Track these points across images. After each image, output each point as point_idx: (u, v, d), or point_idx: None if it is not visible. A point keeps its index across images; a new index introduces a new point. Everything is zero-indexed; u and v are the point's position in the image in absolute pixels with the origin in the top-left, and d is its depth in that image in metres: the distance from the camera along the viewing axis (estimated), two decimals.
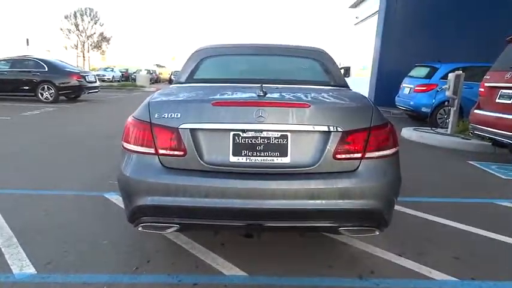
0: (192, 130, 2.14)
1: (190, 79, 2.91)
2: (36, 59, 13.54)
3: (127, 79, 34.62)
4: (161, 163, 2.16)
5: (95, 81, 14.59)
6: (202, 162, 2.12)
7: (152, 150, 2.17)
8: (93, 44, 43.92)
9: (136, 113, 2.29)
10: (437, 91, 8.20)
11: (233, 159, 2.12)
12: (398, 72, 11.63)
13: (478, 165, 5.58)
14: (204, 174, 2.11)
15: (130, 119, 2.30)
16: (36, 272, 2.37)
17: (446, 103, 8.16)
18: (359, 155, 2.16)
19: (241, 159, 2.12)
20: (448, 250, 2.78)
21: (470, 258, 2.67)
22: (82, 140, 6.54)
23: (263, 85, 2.30)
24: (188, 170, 2.13)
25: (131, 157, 2.22)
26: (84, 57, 43.22)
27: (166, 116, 2.17)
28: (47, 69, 13.00)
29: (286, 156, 2.12)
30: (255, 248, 2.74)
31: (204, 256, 2.59)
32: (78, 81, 13.21)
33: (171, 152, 2.15)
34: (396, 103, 10.78)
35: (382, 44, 13.58)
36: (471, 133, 6.20)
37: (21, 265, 2.43)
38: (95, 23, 43.71)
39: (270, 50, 3.32)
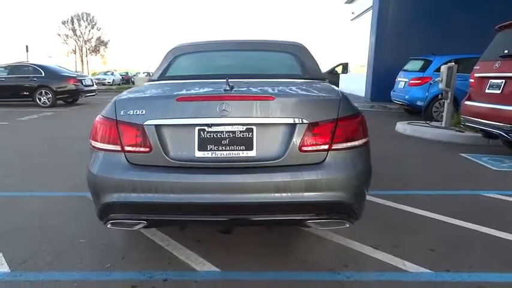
0: (157, 126, 2.13)
1: (162, 77, 2.91)
2: (33, 64, 13.63)
3: (127, 82, 34.77)
4: (127, 160, 2.16)
5: (92, 85, 14.64)
6: (167, 158, 2.11)
7: (118, 148, 2.17)
8: (91, 49, 44.15)
9: (103, 111, 2.29)
10: (431, 84, 8.14)
11: (198, 154, 2.11)
12: (394, 67, 11.58)
13: (470, 157, 5.54)
14: (169, 170, 2.11)
15: (97, 117, 2.30)
16: (9, 271, 2.37)
17: (439, 96, 8.11)
18: (326, 147, 2.14)
19: (207, 154, 2.11)
20: (426, 242, 2.76)
21: (447, 250, 2.64)
22: (77, 142, 6.57)
23: (229, 80, 2.29)
24: (154, 166, 2.13)
25: (98, 155, 2.22)
26: (82, 61, 43.43)
27: (131, 113, 2.17)
28: (43, 75, 13.08)
29: (252, 149, 2.11)
30: (231, 244, 2.73)
31: (179, 253, 2.58)
32: (75, 85, 13.27)
33: (137, 149, 2.15)
34: (392, 98, 10.73)
35: (377, 40, 13.53)
36: (463, 125, 6.16)
37: None
38: (92, 28, 43.96)
39: (244, 45, 3.31)
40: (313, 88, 2.46)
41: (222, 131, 2.12)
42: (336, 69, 25.29)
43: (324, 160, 2.14)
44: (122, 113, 2.19)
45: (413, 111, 10.17)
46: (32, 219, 3.17)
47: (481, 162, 5.24)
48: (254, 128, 2.12)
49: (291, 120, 2.12)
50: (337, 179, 2.11)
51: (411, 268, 2.39)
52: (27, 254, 2.58)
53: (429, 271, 2.36)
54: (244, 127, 2.12)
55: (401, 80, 10.24)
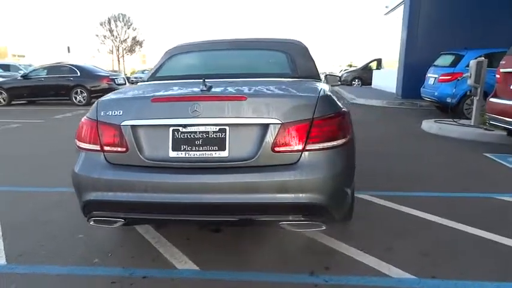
0: (133, 127, 2.18)
1: (152, 77, 2.96)
2: (70, 65, 14.28)
3: None
4: (106, 159, 2.22)
5: (124, 83, 15.11)
6: (143, 158, 2.16)
7: (98, 147, 2.24)
8: (127, 48, 45.72)
9: (88, 112, 2.37)
10: (458, 80, 7.75)
11: (172, 154, 2.14)
12: (426, 62, 11.04)
13: (494, 158, 5.23)
14: (144, 170, 2.15)
15: (83, 118, 2.38)
16: (6, 263, 2.51)
17: (468, 92, 7.71)
18: (299, 148, 2.10)
19: (181, 154, 2.13)
20: (421, 246, 2.64)
21: (441, 256, 2.52)
22: None
23: (213, 80, 2.30)
24: (130, 166, 2.18)
25: (81, 154, 2.30)
26: (119, 61, 45.05)
27: (110, 114, 2.23)
28: (79, 74, 13.67)
29: (225, 150, 2.11)
30: (219, 243, 2.74)
31: (165, 250, 2.62)
32: (108, 84, 13.76)
33: (114, 149, 2.20)
34: (422, 94, 10.31)
35: (409, 34, 13.03)
36: (488, 123, 5.83)
37: None
38: (128, 28, 45.55)
39: (238, 44, 3.30)
40: (294, 87, 2.41)
41: (196, 132, 2.13)
42: (370, 65, 24.71)
43: (297, 161, 2.10)
44: (102, 114, 2.25)
45: (445, 109, 9.74)
46: (44, 213, 3.32)
47: (505, 163, 4.94)
48: (227, 128, 2.12)
49: (263, 121, 2.09)
50: (311, 180, 2.07)
51: (395, 273, 2.31)
52: (26, 247, 2.72)
53: (413, 277, 2.26)
54: (217, 127, 2.12)
55: (431, 76, 9.83)
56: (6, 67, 22.79)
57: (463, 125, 7.15)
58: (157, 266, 2.44)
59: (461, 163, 5.06)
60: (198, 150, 2.12)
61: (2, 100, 14.04)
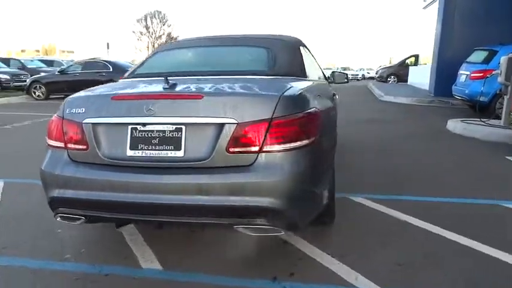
0: (94, 124, 2.18)
1: (131, 74, 2.97)
2: (103, 60, 14.82)
3: None
4: (69, 157, 2.25)
5: None
6: (102, 156, 2.16)
7: (62, 145, 2.27)
8: (162, 44, 46.88)
9: (58, 110, 2.40)
10: (487, 77, 7.27)
11: (130, 153, 2.12)
12: (460, 59, 10.48)
13: None
14: (102, 168, 2.15)
15: (53, 115, 2.42)
16: None
17: (498, 91, 7.22)
18: (256, 149, 2.02)
19: (138, 153, 2.11)
20: (399, 255, 2.49)
21: (418, 266, 2.36)
22: None
23: (177, 78, 2.27)
24: (90, 164, 2.19)
25: (48, 151, 2.34)
26: None
27: (74, 112, 2.25)
28: (111, 70, 14.11)
29: (180, 150, 2.07)
30: (192, 244, 2.71)
31: (137, 249, 2.62)
32: None
33: (76, 146, 2.22)
34: (453, 92, 9.81)
35: (443, 28, 12.40)
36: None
37: None
38: (163, 25, 46.68)
39: (222, 41, 3.25)
40: (260, 86, 2.32)
41: (153, 131, 2.10)
42: (408, 61, 23.85)
43: (253, 163, 2.02)
44: (67, 112, 2.28)
45: (481, 108, 9.17)
46: (39, 208, 3.44)
47: None
48: (183, 127, 2.07)
49: (219, 120, 2.03)
50: (266, 183, 1.99)
51: (361, 283, 2.18)
52: (12, 240, 2.80)
53: None
54: (174, 127, 2.08)
55: (463, 73, 9.31)
56: (50, 63, 24.02)
57: (490, 125, 6.71)
58: (125, 264, 2.44)
59: (478, 166, 4.75)
60: (155, 150, 2.09)
61: (41, 94, 14.78)
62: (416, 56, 22.48)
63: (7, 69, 19.76)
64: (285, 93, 2.15)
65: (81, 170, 2.17)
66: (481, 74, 8.42)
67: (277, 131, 2.02)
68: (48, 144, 2.35)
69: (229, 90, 2.20)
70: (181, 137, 2.07)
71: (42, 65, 22.71)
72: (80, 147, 2.21)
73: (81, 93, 2.46)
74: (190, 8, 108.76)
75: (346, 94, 17.57)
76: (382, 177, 4.28)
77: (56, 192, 2.21)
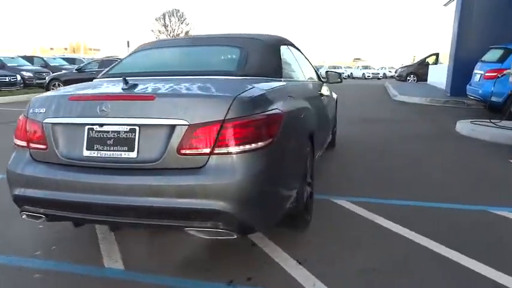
0: (53, 124, 2.20)
1: (104, 74, 2.98)
2: (118, 58, 15.06)
3: None
4: (31, 156, 2.27)
5: None
6: (60, 156, 2.17)
7: (25, 144, 2.29)
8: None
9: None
10: (499, 77, 7.00)
11: (86, 153, 2.13)
12: (477, 58, 10.14)
13: None
14: (60, 168, 2.17)
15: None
16: None
17: (510, 92, 6.94)
18: (207, 151, 1.99)
19: (94, 154, 2.12)
20: (366, 262, 2.41)
21: (382, 274, 2.28)
22: None
23: (126, 78, 2.24)
24: (49, 164, 2.21)
25: (14, 151, 2.38)
26: None
27: (36, 112, 2.27)
28: None
29: (133, 151, 2.06)
30: (163, 245, 2.69)
31: (106, 248, 2.63)
32: None
33: (37, 146, 2.25)
34: (467, 92, 9.50)
35: (460, 26, 12.00)
36: None
37: None
38: (181, 23, 47.31)
39: (197, 41, 3.23)
40: (218, 86, 2.28)
41: (108, 131, 2.10)
42: (428, 59, 23.27)
43: (204, 165, 1.99)
44: (31, 111, 2.31)
45: (493, 109, 8.85)
46: None
47: None
48: (137, 128, 2.06)
49: (170, 122, 2.01)
50: (217, 185, 1.96)
51: None
52: None
53: None
54: (128, 127, 2.08)
55: (478, 72, 9.00)
56: (72, 61, 24.64)
57: (500, 127, 6.45)
58: (89, 263, 2.45)
59: (478, 169, 4.57)
60: (110, 150, 2.09)
61: None
62: (437, 55, 21.87)
63: (30, 67, 20.39)
64: (241, 95, 2.10)
65: (40, 170, 2.19)
66: (495, 74, 8.11)
67: (229, 133, 1.99)
68: (14, 143, 2.39)
69: (183, 92, 2.17)
70: (134, 138, 2.06)
71: (64, 63, 23.31)
72: (41, 146, 2.23)
73: (46, 93, 2.48)
74: (208, 6, 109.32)
75: (359, 93, 17.36)
76: (373, 178, 4.17)
77: (18, 191, 2.24)
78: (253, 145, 2.02)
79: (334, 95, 5.43)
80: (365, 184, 3.99)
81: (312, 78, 4.23)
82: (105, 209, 2.07)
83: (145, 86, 2.25)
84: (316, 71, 4.59)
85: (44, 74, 18.09)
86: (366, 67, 41.19)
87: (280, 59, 3.02)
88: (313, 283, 2.18)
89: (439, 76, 17.08)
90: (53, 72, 17.23)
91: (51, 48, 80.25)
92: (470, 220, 3.08)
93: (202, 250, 2.61)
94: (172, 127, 2.01)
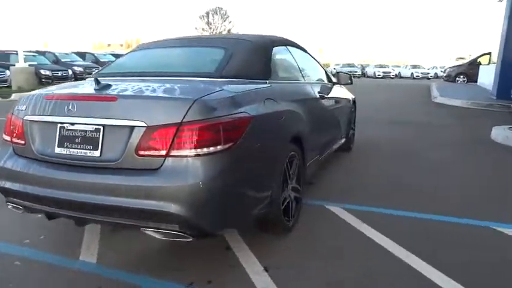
0: (30, 122, 2.32)
1: (96, 74, 3.07)
2: None
3: None
4: (14, 151, 2.41)
5: None
6: (35, 152, 2.29)
7: (9, 139, 2.44)
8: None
9: None
10: None
11: (57, 150, 2.22)
12: None
13: None
14: (35, 163, 2.28)
15: None
16: None
17: None
18: (163, 153, 2.01)
19: (63, 151, 2.20)
20: (336, 273, 2.33)
21: (347, 287, 2.19)
22: None
23: (98, 79, 2.31)
24: (26, 158, 2.33)
25: (1, 145, 2.53)
26: None
27: (20, 109, 2.41)
28: None
29: (97, 150, 2.12)
30: (142, 242, 2.73)
31: (88, 240, 2.74)
32: None
33: (18, 141, 2.38)
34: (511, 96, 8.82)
35: (510, 24, 11.15)
36: None
37: None
38: (224, 21, 47.96)
39: (185, 42, 3.26)
40: (183, 88, 2.27)
41: (77, 130, 2.18)
42: (480, 59, 21.91)
43: (159, 167, 2.01)
44: (16, 109, 2.45)
45: None
46: None
47: None
48: (101, 128, 2.12)
49: (130, 123, 2.06)
50: (170, 188, 1.97)
51: None
52: None
53: None
54: (94, 127, 2.14)
55: None
56: (120, 56, 25.75)
57: None
58: (67, 254, 2.56)
59: (496, 182, 4.24)
60: (77, 148, 2.17)
61: None
62: (490, 54, 20.49)
63: (81, 63, 21.65)
64: (203, 98, 2.09)
65: (18, 164, 2.32)
66: None
67: (186, 136, 1.99)
68: (2, 138, 2.54)
69: (144, 93, 2.20)
70: (99, 138, 2.12)
71: (113, 58, 24.44)
72: (21, 142, 2.36)
73: (32, 92, 2.62)
74: (253, 5, 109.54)
75: (399, 93, 16.72)
76: (379, 186, 4.01)
77: (1, 183, 2.38)
78: (212, 148, 2.02)
79: (350, 97, 5.26)
80: (369, 192, 3.83)
81: (319, 80, 4.14)
82: (71, 204, 2.15)
83: (116, 87, 2.30)
84: (326, 73, 4.47)
85: (94, 69, 19.09)
86: (415, 66, 39.47)
87: (269, 60, 2.98)
88: None
89: (488, 77, 16.03)
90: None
91: (109, 45, 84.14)
92: (465, 236, 2.87)
93: (179, 250, 2.63)
94: (132, 128, 2.05)
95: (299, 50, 3.86)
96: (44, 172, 2.21)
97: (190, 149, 1.99)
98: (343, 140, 4.90)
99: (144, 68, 3.00)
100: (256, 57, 2.89)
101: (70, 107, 2.17)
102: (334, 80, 4.53)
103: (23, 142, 2.35)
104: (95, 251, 2.61)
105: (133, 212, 2.03)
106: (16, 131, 2.39)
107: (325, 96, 3.88)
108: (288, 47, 3.56)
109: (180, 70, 2.76)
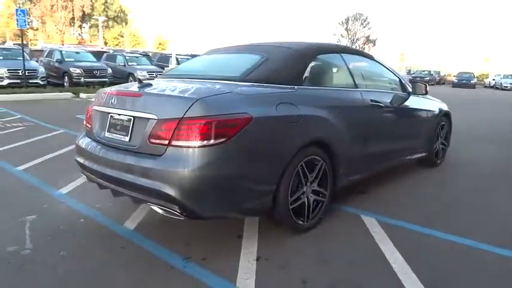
0: (95, 111, 3.01)
1: (164, 75, 3.63)
2: None
3: None
4: (86, 133, 3.13)
5: None
6: (95, 135, 2.95)
7: (85, 123, 3.17)
8: (358, 47, 47.00)
9: None
10: None
11: (107, 134, 2.83)
12: None
13: None
14: (92, 143, 2.93)
15: None
16: None
17: None
18: (166, 142, 2.41)
19: (109, 135, 2.80)
20: (314, 273, 2.39)
21: None
22: None
23: (141, 79, 2.86)
24: (90, 139, 3.00)
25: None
26: None
27: (93, 101, 3.12)
28: None
29: (128, 136, 2.65)
30: (174, 221, 3.17)
31: (138, 213, 3.32)
32: None
33: (87, 125, 3.09)
34: None
35: None
36: None
37: None
38: (364, 27, 46.72)
39: (239, 48, 3.56)
40: (199, 89, 2.63)
41: (119, 119, 2.76)
42: None
43: (163, 153, 2.42)
44: (92, 100, 3.17)
45: None
46: None
47: None
48: (132, 119, 2.65)
49: (147, 115, 2.52)
50: (167, 172, 2.37)
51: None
52: None
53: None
54: (128, 117, 2.68)
55: None
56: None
57: None
58: (118, 220, 3.16)
59: None
60: (117, 134, 2.74)
61: None
62: None
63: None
64: (206, 97, 2.43)
65: (85, 143, 3.00)
66: None
67: (184, 129, 2.35)
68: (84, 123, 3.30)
69: (164, 92, 2.63)
70: (129, 126, 2.65)
71: None
72: (88, 126, 3.06)
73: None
74: (395, 12, 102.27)
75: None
76: (435, 203, 3.70)
77: (76, 156, 3.12)
78: (205, 142, 2.33)
79: (437, 109, 4.84)
80: (420, 209, 3.58)
81: (384, 88, 4.05)
82: (108, 177, 2.72)
83: (155, 86, 2.81)
84: (401, 82, 4.28)
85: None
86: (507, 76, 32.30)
87: (304, 67, 3.11)
88: (246, 278, 2.34)
89: None
90: None
91: None
92: (470, 258, 2.52)
93: (198, 231, 2.99)
94: (147, 120, 2.51)
95: (361, 58, 3.83)
96: (97, 151, 2.83)
97: (186, 140, 2.35)
98: (421, 154, 4.58)
99: (194, 71, 3.50)
100: (288, 63, 3.06)
101: (115, 101, 2.75)
102: (409, 89, 4.30)
103: (89, 126, 3.04)
104: (137, 221, 3.15)
105: (141, 188, 2.48)
106: (87, 117, 3.11)
107: (384, 105, 3.74)
108: (342, 54, 3.59)
109: (216, 74, 3.14)
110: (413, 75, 33.96)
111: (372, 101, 3.59)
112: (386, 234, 2.98)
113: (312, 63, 3.24)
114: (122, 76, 16.56)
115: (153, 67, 18.07)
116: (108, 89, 3.03)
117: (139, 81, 2.82)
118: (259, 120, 2.53)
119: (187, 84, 2.80)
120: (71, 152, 4.35)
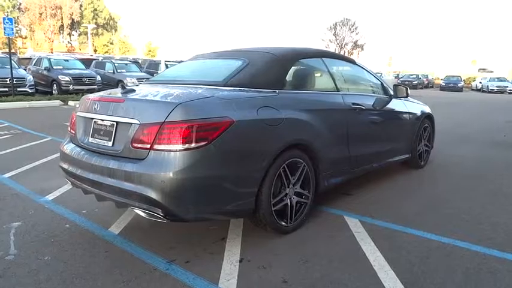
0: (78, 116, 3.03)
1: (150, 80, 3.68)
2: None
3: None
4: (70, 139, 3.15)
5: None
6: (78, 140, 2.97)
7: (69, 129, 3.20)
8: (347, 52, 47.60)
9: None
10: None
11: (91, 139, 2.86)
12: None
13: None
14: (76, 148, 2.96)
15: None
16: None
17: None
18: (148, 146, 2.45)
19: (93, 140, 2.83)
20: (294, 274, 2.43)
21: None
22: None
23: (123, 85, 2.90)
24: (73, 144, 3.03)
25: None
26: None
27: (77, 107, 3.15)
28: None
29: (111, 141, 2.69)
30: (160, 226, 3.22)
31: (124, 218, 3.35)
32: None
33: (72, 131, 3.12)
34: None
35: None
36: None
37: None
38: (351, 32, 47.46)
39: (220, 54, 3.61)
40: (180, 94, 2.67)
41: (102, 124, 2.79)
42: None
43: (145, 157, 2.46)
44: (76, 106, 3.20)
45: None
46: None
47: None
48: (115, 124, 2.68)
49: (130, 120, 2.56)
50: (149, 176, 2.41)
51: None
52: None
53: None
54: (111, 123, 2.71)
55: None
56: None
57: None
58: (104, 224, 3.19)
59: None
60: (100, 139, 2.77)
61: None
62: None
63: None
64: (187, 102, 2.48)
65: (69, 149, 3.03)
66: None
67: (165, 133, 2.40)
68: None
69: (147, 97, 2.68)
70: (113, 131, 2.68)
71: None
72: (72, 132, 3.09)
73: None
74: (383, 18, 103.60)
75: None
76: (417, 205, 3.77)
77: (60, 162, 3.14)
78: (187, 145, 2.38)
79: (419, 112, 4.95)
80: (401, 209, 3.66)
81: (364, 91, 4.13)
82: (91, 182, 2.75)
83: (137, 92, 2.85)
84: (382, 85, 4.37)
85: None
86: (500, 79, 33.39)
87: (285, 71, 3.18)
88: (228, 279, 2.38)
89: None
90: None
91: None
92: (466, 262, 2.59)
93: (182, 234, 3.03)
94: (130, 125, 2.55)
95: (342, 62, 3.91)
96: (81, 156, 2.86)
97: (168, 144, 2.39)
98: (404, 156, 4.67)
99: (178, 76, 3.55)
100: (270, 68, 3.12)
101: (98, 107, 2.78)
102: (391, 92, 4.39)
103: (73, 132, 3.07)
104: (122, 226, 3.18)
105: (123, 191, 2.51)
106: (72, 124, 3.13)
107: (366, 108, 3.82)
108: (324, 59, 3.66)
109: (199, 79, 3.21)
110: (401, 79, 34.36)
111: (353, 104, 3.67)
112: (368, 234, 3.05)
113: (293, 68, 3.31)
114: (111, 83, 16.48)
115: (142, 74, 18.05)
116: (91, 95, 3.06)
117: (123, 87, 2.87)
118: (241, 124, 2.58)
119: (170, 89, 2.84)
120: (57, 159, 4.34)
